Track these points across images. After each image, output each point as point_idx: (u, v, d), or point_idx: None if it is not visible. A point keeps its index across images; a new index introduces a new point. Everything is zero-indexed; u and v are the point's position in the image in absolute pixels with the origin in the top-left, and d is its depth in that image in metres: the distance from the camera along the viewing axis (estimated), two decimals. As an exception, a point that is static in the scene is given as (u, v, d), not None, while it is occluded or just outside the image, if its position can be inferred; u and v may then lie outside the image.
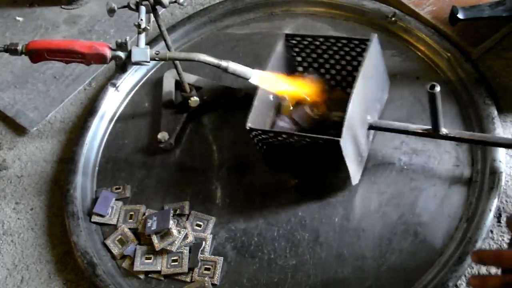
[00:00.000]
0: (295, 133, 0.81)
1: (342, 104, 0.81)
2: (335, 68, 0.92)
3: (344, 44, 0.87)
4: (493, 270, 0.75)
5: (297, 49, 0.92)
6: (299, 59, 0.93)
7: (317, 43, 0.89)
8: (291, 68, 0.93)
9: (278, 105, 0.91)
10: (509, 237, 0.77)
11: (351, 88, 0.87)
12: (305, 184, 0.88)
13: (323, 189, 0.87)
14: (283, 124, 0.89)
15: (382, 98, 0.91)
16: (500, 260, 0.59)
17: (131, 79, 1.07)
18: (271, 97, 0.88)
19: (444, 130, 0.79)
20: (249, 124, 0.80)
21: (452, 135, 0.80)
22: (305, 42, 0.90)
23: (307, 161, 0.89)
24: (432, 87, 0.70)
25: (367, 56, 0.81)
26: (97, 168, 0.98)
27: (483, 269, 0.76)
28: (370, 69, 0.82)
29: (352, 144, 0.79)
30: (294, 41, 0.90)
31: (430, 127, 0.80)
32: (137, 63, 0.77)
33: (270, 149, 0.88)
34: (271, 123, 0.90)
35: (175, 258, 0.84)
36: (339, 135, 0.75)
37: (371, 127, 0.85)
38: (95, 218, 0.90)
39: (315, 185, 0.87)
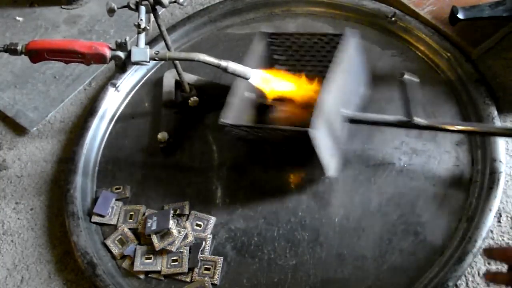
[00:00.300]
0: (267, 126, 0.81)
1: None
2: (312, 64, 0.92)
3: (320, 40, 0.87)
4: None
5: (274, 47, 0.92)
6: (276, 57, 0.93)
7: (294, 40, 0.89)
8: (270, 66, 0.94)
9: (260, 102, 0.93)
10: (509, 237, 0.78)
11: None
12: (305, 184, 0.88)
13: (323, 189, 0.87)
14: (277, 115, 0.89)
15: (361, 93, 0.91)
16: (506, 257, 0.60)
17: (131, 79, 1.07)
18: (246, 94, 0.88)
19: (417, 120, 0.79)
20: (221, 119, 0.80)
21: (425, 124, 0.80)
22: (282, 40, 0.90)
23: (291, 153, 0.89)
24: (402, 74, 0.70)
25: (341, 50, 0.81)
26: (97, 168, 0.98)
27: (483, 269, 0.76)
28: (346, 63, 0.82)
29: (326, 135, 0.79)
30: (270, 39, 0.90)
31: (406, 118, 0.80)
32: (137, 63, 0.77)
33: (252, 144, 0.89)
34: (253, 120, 0.90)
35: (175, 258, 0.84)
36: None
37: (349, 120, 0.85)
38: (95, 218, 0.90)
39: (316, 185, 0.87)
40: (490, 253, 0.63)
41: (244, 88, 0.87)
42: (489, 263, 0.77)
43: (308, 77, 0.93)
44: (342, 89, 0.81)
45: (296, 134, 0.78)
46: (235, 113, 0.84)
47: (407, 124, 0.81)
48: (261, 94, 0.90)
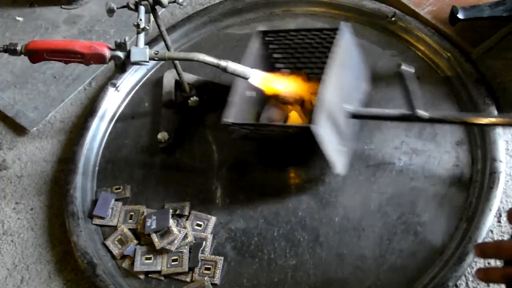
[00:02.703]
0: (271, 124, 0.81)
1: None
2: (311, 61, 0.92)
3: (316, 36, 0.88)
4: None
5: (274, 46, 0.92)
6: (276, 55, 0.93)
7: (291, 37, 0.89)
8: (269, 66, 0.94)
9: (262, 100, 0.93)
10: (509, 236, 0.77)
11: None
12: (305, 184, 0.88)
13: (323, 189, 0.87)
14: (269, 114, 0.89)
15: (363, 88, 0.91)
16: (500, 251, 0.59)
17: (131, 79, 1.07)
18: (248, 93, 0.88)
19: (420, 112, 0.78)
20: (224, 119, 0.80)
21: (427, 117, 0.79)
22: (280, 38, 0.90)
23: (291, 152, 0.89)
24: (399, 66, 0.69)
25: (336, 44, 0.81)
26: (97, 168, 0.98)
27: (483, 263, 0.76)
28: (343, 58, 0.82)
29: (330, 131, 0.78)
30: (269, 38, 0.90)
31: (408, 111, 0.79)
32: (136, 63, 0.77)
33: (257, 144, 0.89)
34: (254, 119, 0.90)
35: (175, 257, 0.84)
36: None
37: (352, 115, 0.84)
38: (96, 221, 0.90)
39: (315, 185, 0.87)
40: (482, 249, 0.60)
41: (245, 87, 0.87)
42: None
43: (306, 75, 0.93)
44: (341, 84, 0.81)
45: (299, 131, 0.78)
46: (237, 112, 0.84)
47: (410, 118, 0.80)
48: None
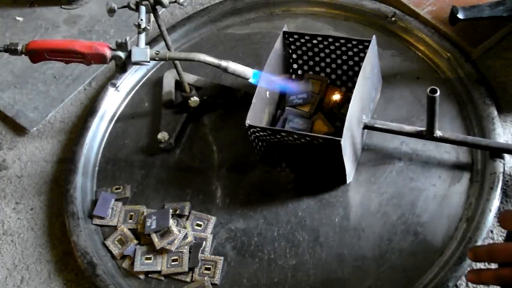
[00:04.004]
0: (295, 132, 0.81)
1: (336, 102, 0.85)
2: (330, 67, 0.92)
3: (342, 44, 0.87)
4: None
5: (294, 47, 0.92)
6: (295, 56, 0.94)
7: (315, 41, 0.89)
8: (287, 66, 0.94)
9: (274, 100, 0.92)
10: (503, 239, 0.77)
11: (346, 86, 0.88)
12: (305, 184, 0.88)
13: (323, 189, 0.87)
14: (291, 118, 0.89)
15: (375, 98, 0.91)
16: (492, 254, 0.59)
17: (131, 79, 1.07)
18: (267, 93, 0.88)
19: (438, 133, 0.80)
20: (248, 121, 0.80)
21: (445, 137, 0.80)
22: (303, 40, 0.90)
23: (304, 158, 0.89)
24: (433, 91, 0.70)
25: (367, 57, 0.81)
26: (97, 168, 0.98)
27: (479, 264, 0.76)
28: (368, 70, 0.82)
29: (350, 143, 0.79)
30: (292, 39, 0.90)
31: (424, 128, 0.80)
32: (137, 63, 0.77)
33: (267, 146, 0.88)
34: (268, 120, 0.90)
35: (175, 257, 0.84)
36: (338, 135, 0.75)
37: (366, 126, 0.85)
38: (96, 221, 0.90)
39: (315, 185, 0.87)
40: (475, 253, 0.60)
41: (265, 89, 0.86)
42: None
43: (326, 82, 0.93)
44: (363, 96, 0.82)
45: (324, 143, 0.78)
46: (256, 114, 0.84)
47: (426, 137, 0.81)
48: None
